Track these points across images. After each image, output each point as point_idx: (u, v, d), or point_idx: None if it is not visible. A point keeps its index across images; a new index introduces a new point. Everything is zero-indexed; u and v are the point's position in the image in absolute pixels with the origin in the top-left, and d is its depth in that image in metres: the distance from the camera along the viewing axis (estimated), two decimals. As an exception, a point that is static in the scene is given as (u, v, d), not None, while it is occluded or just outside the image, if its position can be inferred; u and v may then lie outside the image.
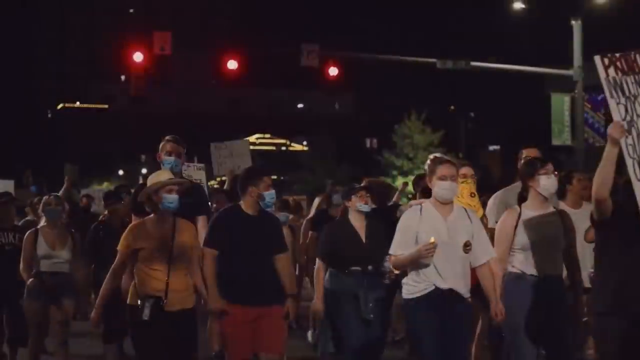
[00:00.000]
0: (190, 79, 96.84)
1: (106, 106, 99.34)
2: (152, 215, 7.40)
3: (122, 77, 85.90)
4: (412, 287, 7.20)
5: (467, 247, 7.14)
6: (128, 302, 7.37)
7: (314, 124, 79.72)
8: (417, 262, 7.09)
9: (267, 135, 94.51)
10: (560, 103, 27.64)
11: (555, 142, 28.16)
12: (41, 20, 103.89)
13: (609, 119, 28.27)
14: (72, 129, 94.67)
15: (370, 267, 8.82)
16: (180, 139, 8.54)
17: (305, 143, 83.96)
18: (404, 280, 7.30)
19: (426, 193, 11.19)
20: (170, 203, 7.30)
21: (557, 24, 29.13)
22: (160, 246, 7.26)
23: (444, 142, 53.95)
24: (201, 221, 8.19)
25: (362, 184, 10.72)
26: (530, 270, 7.34)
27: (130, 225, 7.56)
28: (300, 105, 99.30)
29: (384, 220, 10.23)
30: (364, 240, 8.95)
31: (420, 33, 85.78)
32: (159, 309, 7.16)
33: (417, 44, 59.78)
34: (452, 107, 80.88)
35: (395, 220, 10.27)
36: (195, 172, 11.43)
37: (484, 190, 11.32)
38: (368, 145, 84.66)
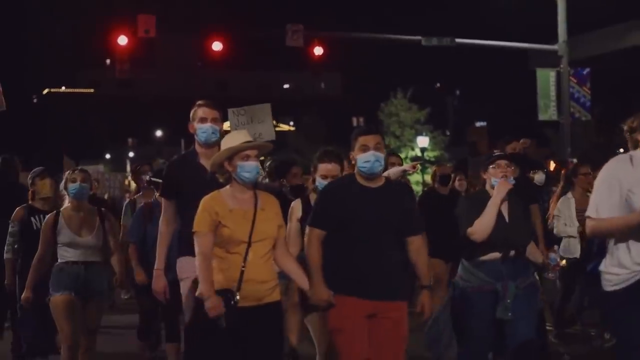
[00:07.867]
0: (175, 61, 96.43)
1: (92, 90, 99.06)
2: (227, 187, 6.06)
3: (107, 61, 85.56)
4: (615, 276, 5.42)
5: None
6: (197, 293, 5.90)
7: (301, 104, 79.68)
8: (632, 230, 5.29)
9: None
10: (546, 78, 27.68)
11: (542, 117, 28.23)
12: (26, 5, 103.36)
13: (594, 94, 28.40)
14: (59, 113, 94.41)
15: (512, 253, 7.14)
16: (215, 103, 7.08)
17: (292, 123, 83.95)
18: (602, 269, 5.53)
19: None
20: (248, 172, 5.97)
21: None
22: (239, 225, 5.89)
23: (430, 119, 54.14)
24: None
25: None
26: None
27: (203, 199, 6.00)
28: (286, 86, 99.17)
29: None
30: (507, 219, 7.23)
31: (405, 10, 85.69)
32: (229, 306, 5.74)
33: (402, 21, 59.69)
34: (438, 85, 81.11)
35: None
36: None
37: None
38: (355, 123, 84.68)
